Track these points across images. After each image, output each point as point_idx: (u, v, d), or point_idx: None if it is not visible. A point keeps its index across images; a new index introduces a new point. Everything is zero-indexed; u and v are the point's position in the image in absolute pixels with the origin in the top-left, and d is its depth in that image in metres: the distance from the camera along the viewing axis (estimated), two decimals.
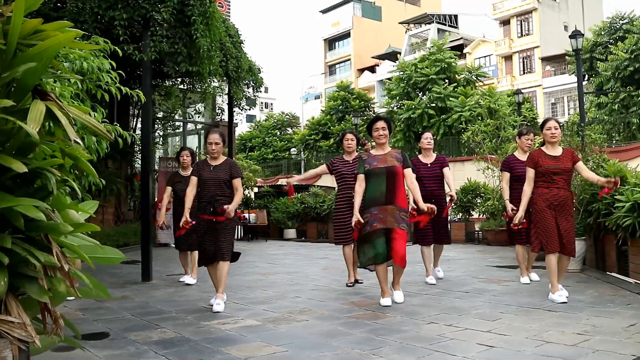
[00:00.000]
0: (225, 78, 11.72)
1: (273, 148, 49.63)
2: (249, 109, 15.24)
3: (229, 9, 18.00)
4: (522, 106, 28.38)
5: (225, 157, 5.76)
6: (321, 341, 4.08)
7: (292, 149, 48.59)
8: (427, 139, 7.21)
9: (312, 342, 4.07)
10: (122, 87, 3.76)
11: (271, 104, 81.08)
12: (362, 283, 7.11)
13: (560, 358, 3.46)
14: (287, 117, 54.52)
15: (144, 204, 7.90)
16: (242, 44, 11.53)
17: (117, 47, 4.09)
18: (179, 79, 11.83)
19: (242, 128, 58.83)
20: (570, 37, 17.25)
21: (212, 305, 5.45)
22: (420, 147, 7.34)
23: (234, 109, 14.60)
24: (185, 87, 12.59)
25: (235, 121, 14.79)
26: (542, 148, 5.75)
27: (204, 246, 5.58)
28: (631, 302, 5.30)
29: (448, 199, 7.27)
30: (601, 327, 4.26)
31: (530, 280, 6.78)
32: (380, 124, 5.74)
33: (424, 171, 7.05)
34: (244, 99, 14.03)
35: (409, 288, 6.53)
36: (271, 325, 4.69)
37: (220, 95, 14.95)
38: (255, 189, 22.52)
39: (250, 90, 13.76)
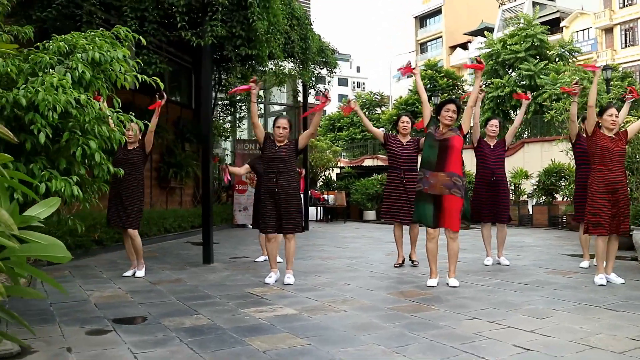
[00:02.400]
0: (297, 60, 11.67)
1: (361, 128, 49.26)
2: (326, 91, 15.06)
3: None
4: (621, 82, 26.44)
5: (292, 139, 6.24)
6: (349, 335, 3.94)
7: (381, 129, 48.04)
8: (492, 126, 7.42)
9: (340, 335, 3.93)
10: (139, 76, 3.77)
11: (363, 83, 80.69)
12: (417, 265, 7.29)
13: None
14: (376, 96, 53.93)
15: (205, 189, 8.00)
16: (310, 26, 11.37)
17: (140, 37, 4.07)
18: (247, 62, 11.91)
19: (332, 108, 58.83)
20: None
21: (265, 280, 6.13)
22: (485, 132, 7.47)
23: (310, 91, 14.55)
24: (261, 70, 12.66)
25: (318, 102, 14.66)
26: (601, 130, 5.84)
27: (266, 218, 6.07)
28: None
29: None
30: None
31: (589, 266, 6.88)
32: (452, 106, 5.89)
33: (488, 151, 7.33)
34: (326, 80, 14.05)
35: (465, 278, 6.26)
36: (307, 314, 4.59)
37: (298, 77, 14.95)
38: (337, 170, 22.48)
39: (324, 71, 13.63)
